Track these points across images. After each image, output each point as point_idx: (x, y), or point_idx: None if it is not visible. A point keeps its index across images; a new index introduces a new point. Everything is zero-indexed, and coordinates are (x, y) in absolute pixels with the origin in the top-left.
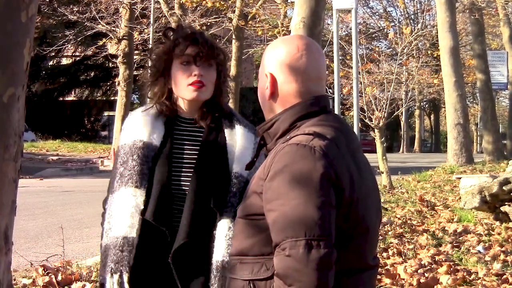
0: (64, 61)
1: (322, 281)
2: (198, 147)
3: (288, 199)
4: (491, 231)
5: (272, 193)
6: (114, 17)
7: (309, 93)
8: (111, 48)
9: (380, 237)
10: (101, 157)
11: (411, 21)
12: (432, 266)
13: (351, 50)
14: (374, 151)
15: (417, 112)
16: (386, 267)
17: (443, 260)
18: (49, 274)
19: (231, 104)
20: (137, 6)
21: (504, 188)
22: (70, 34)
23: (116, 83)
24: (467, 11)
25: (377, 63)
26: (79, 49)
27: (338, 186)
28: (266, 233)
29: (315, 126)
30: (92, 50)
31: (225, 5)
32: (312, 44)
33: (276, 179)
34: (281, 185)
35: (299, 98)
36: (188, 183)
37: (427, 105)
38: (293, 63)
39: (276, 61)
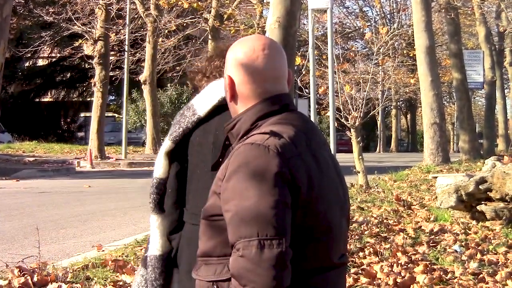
0: (40, 62)
1: (276, 281)
2: None
3: (242, 199)
4: (467, 230)
5: (228, 193)
6: (90, 18)
7: (268, 92)
8: (87, 49)
9: (357, 237)
10: (78, 158)
11: (387, 21)
12: (409, 265)
13: (327, 49)
14: (350, 150)
15: (393, 112)
16: (363, 267)
17: (420, 259)
18: (25, 275)
19: None
20: (112, 7)
21: (480, 187)
22: (46, 35)
23: (92, 84)
24: (443, 10)
25: (353, 62)
26: (55, 50)
27: (294, 185)
28: (226, 233)
29: (274, 125)
30: (68, 51)
31: (202, 5)
32: (270, 43)
33: (231, 180)
34: (236, 185)
35: (259, 98)
36: None
37: (403, 105)
38: (249, 63)
39: (233, 63)
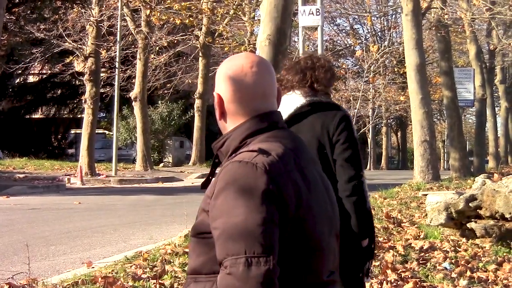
0: (31, 78)
1: None
2: None
3: (230, 216)
4: (457, 248)
5: (216, 211)
6: (81, 34)
7: (257, 110)
8: (78, 65)
9: None
10: (68, 175)
11: (378, 39)
12: (398, 282)
13: None
14: None
15: (384, 129)
16: None
17: (410, 276)
18: None
19: (198, 121)
20: (103, 24)
21: (470, 204)
22: (37, 51)
23: (83, 101)
24: (434, 28)
25: (344, 80)
26: (46, 67)
27: (281, 202)
28: (215, 251)
29: (262, 143)
30: (59, 67)
31: (193, 22)
32: (259, 61)
33: (219, 197)
34: (224, 202)
35: (248, 116)
36: None
37: (393, 122)
38: (237, 81)
39: (222, 81)
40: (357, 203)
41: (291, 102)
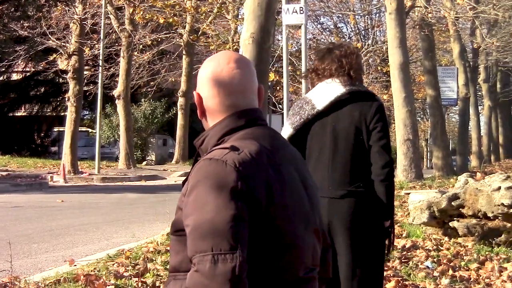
0: (15, 76)
1: None
2: None
3: (200, 213)
4: (439, 247)
5: (188, 208)
6: (65, 32)
7: (235, 107)
8: (62, 63)
9: None
10: (51, 173)
11: (362, 37)
12: None
13: (301, 65)
14: None
15: None
16: None
17: (392, 275)
18: None
19: (181, 120)
20: (87, 22)
21: (453, 203)
22: (20, 49)
23: (66, 99)
24: (418, 27)
25: None
26: (30, 65)
27: (251, 199)
28: None
29: (237, 140)
30: (42, 65)
31: (178, 21)
32: (237, 57)
33: (191, 195)
34: (194, 200)
35: (226, 113)
36: None
37: None
38: (214, 77)
39: (201, 79)
40: (389, 187)
41: (331, 90)
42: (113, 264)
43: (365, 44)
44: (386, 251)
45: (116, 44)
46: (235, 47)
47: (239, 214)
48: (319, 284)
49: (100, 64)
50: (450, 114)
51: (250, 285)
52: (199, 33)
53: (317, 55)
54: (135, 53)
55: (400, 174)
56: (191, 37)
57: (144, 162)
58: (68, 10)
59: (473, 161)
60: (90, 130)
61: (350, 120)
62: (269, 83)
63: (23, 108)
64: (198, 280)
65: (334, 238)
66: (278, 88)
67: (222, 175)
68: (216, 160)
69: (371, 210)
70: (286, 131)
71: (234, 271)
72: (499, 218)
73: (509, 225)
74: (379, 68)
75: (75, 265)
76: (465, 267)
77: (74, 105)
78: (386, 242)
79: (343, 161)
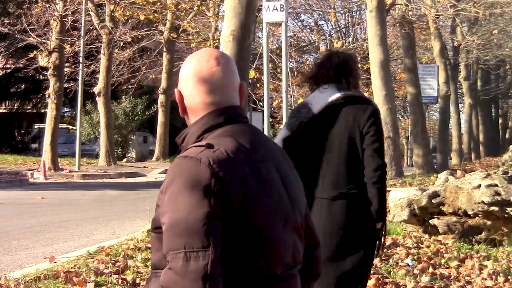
0: None
1: None
2: None
3: (174, 211)
4: (420, 244)
5: (164, 206)
6: (45, 29)
7: (215, 104)
8: (42, 60)
9: None
10: (31, 170)
11: (342, 35)
12: None
13: (282, 63)
14: None
15: None
16: None
17: (372, 273)
18: None
19: (162, 117)
20: (68, 19)
21: (433, 201)
22: (0, 46)
23: (47, 96)
24: (398, 24)
25: None
26: (10, 61)
27: (225, 197)
28: None
29: (215, 138)
30: (23, 62)
31: (158, 17)
32: (217, 55)
33: (167, 193)
34: (169, 198)
35: (206, 110)
36: None
37: None
38: (193, 75)
39: (182, 77)
40: (381, 190)
41: (327, 94)
42: (93, 261)
43: (345, 42)
44: (376, 252)
45: (97, 41)
46: (215, 44)
47: (213, 212)
48: (308, 281)
49: (81, 61)
50: (430, 112)
51: (226, 282)
52: (180, 30)
53: (315, 62)
54: (116, 50)
55: None
56: (171, 34)
57: (125, 159)
58: (49, 7)
59: (454, 159)
60: (70, 127)
61: (344, 124)
62: (250, 81)
63: (3, 105)
64: (171, 277)
65: (327, 238)
66: (258, 85)
67: (196, 173)
68: (190, 158)
69: (363, 212)
70: (282, 133)
71: (206, 269)
72: (479, 215)
73: (489, 222)
74: (359, 66)
75: (55, 262)
76: (445, 265)
77: (55, 102)
78: (377, 243)
79: (336, 163)
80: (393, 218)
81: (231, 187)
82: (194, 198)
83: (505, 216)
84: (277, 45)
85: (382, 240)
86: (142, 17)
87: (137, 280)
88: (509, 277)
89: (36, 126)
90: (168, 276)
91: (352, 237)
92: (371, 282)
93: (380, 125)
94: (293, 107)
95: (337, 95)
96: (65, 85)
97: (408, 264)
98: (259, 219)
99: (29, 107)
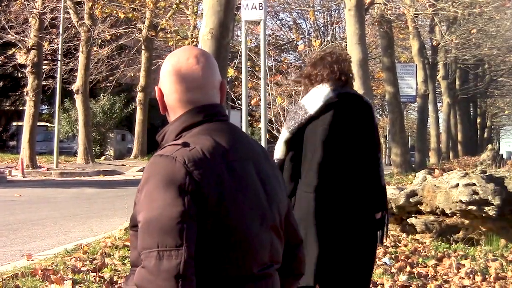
0: None
1: None
2: None
3: (149, 210)
4: (397, 243)
5: (139, 204)
6: (24, 26)
7: (194, 102)
8: (20, 57)
9: None
10: (9, 167)
11: (321, 33)
12: None
13: (260, 61)
14: None
15: None
16: None
17: None
18: None
19: (140, 115)
20: (46, 16)
21: (411, 200)
22: None
23: (25, 93)
24: (377, 23)
25: (286, 74)
26: None
27: (200, 196)
28: None
29: (193, 136)
30: (1, 59)
31: (137, 15)
32: (197, 53)
33: (142, 191)
34: (144, 196)
35: (185, 108)
36: None
37: None
38: (173, 73)
39: (162, 74)
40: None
41: (321, 94)
42: (70, 259)
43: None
44: (378, 241)
45: (75, 38)
46: (194, 42)
47: (187, 211)
48: (292, 280)
49: (59, 58)
50: (409, 111)
51: (200, 281)
52: (158, 28)
53: (310, 62)
54: (94, 47)
55: None
56: (150, 32)
57: (103, 157)
58: (27, 4)
59: (432, 158)
60: (48, 124)
61: (341, 122)
62: (228, 79)
63: None
64: (144, 276)
65: (326, 232)
66: (237, 83)
67: (171, 172)
68: (166, 156)
69: (362, 205)
70: (283, 135)
71: (179, 268)
72: (457, 214)
73: (467, 222)
74: None
75: (32, 260)
76: (423, 264)
77: (33, 99)
78: (379, 233)
79: (335, 161)
80: None
81: (207, 186)
82: (168, 197)
83: (483, 215)
84: (255, 44)
85: (386, 229)
86: (121, 15)
87: (115, 278)
88: (486, 276)
89: (14, 123)
90: (142, 275)
91: (352, 231)
92: None
93: (375, 119)
94: (271, 105)
95: (331, 94)
96: (44, 83)
97: (385, 263)
98: (234, 219)
99: (7, 105)
